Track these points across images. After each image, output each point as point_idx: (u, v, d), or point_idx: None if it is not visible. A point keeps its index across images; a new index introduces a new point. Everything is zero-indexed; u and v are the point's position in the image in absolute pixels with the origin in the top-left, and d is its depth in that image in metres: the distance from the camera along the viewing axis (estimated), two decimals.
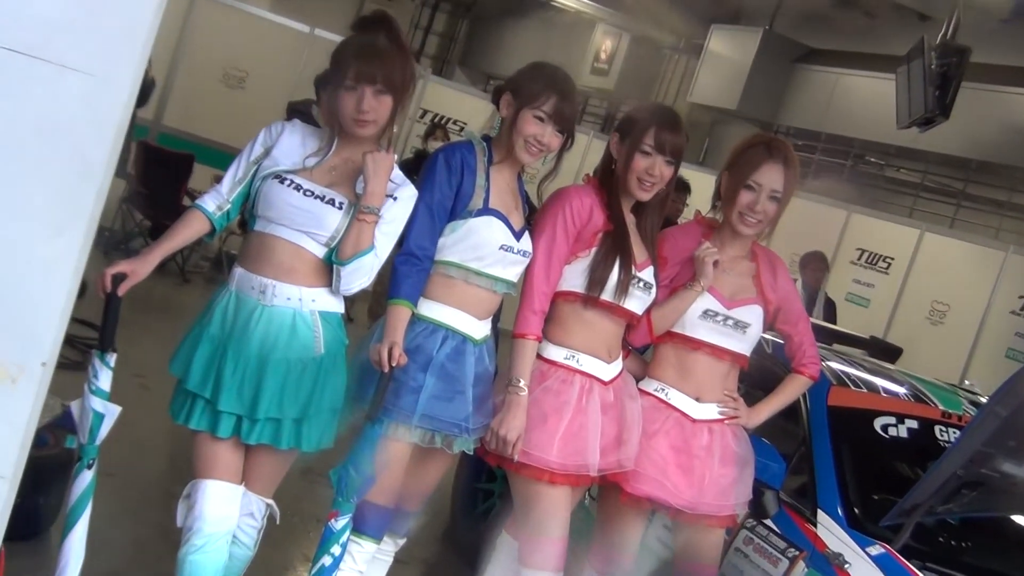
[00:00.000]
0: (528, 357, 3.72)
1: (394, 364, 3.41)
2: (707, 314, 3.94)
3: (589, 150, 11.79)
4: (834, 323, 9.07)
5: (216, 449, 3.43)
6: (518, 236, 3.70)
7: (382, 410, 3.47)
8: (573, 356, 3.79)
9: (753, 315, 4.00)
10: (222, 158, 9.91)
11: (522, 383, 3.68)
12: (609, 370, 3.85)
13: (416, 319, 3.58)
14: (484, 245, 3.62)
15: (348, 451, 3.53)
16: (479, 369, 3.70)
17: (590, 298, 3.76)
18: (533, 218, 3.83)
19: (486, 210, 3.63)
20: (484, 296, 3.69)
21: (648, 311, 3.93)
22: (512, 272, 3.72)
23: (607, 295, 3.76)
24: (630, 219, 3.91)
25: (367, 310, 9.49)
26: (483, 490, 5.49)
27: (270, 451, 3.47)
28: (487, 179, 3.66)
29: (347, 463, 3.47)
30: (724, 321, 3.95)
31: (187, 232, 3.50)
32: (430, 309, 3.63)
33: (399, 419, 3.54)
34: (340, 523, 3.49)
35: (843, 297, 11.36)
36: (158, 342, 4.58)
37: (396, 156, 3.60)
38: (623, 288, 3.76)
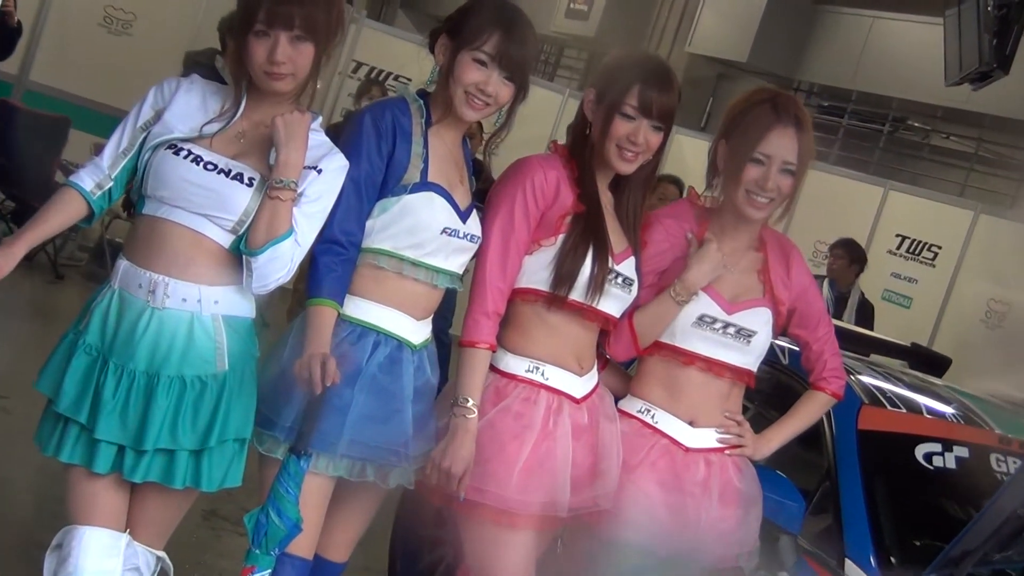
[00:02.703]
0: (479, 370, 3.72)
1: (328, 383, 3.38)
2: (703, 320, 3.95)
3: (564, 112, 11.82)
4: (870, 328, 9.11)
5: (94, 488, 3.42)
6: (464, 217, 3.71)
7: (315, 442, 3.47)
8: (536, 368, 3.80)
9: (760, 320, 4.01)
10: (103, 122, 9.88)
11: (470, 403, 3.67)
12: (581, 385, 3.86)
13: (340, 321, 3.57)
14: (422, 228, 3.63)
15: (261, 490, 3.53)
16: (419, 381, 3.72)
17: (556, 297, 3.77)
18: (485, 192, 3.83)
19: (424, 184, 3.63)
20: (422, 291, 3.70)
21: (631, 315, 3.95)
22: (456, 262, 3.73)
23: (577, 294, 3.77)
24: (607, 198, 3.92)
25: (286, 312, 9.46)
26: (430, 538, 5.47)
27: (161, 491, 3.46)
28: (424, 146, 3.67)
29: (266, 506, 3.46)
30: (723, 329, 3.96)
31: (60, 217, 3.48)
32: (357, 308, 3.62)
33: (319, 447, 3.52)
34: None
35: (879, 295, 11.43)
36: (23, 353, 4.57)
37: (322, 118, 3.60)
38: (597, 285, 3.77)
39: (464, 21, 3.69)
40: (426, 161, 3.65)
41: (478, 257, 3.76)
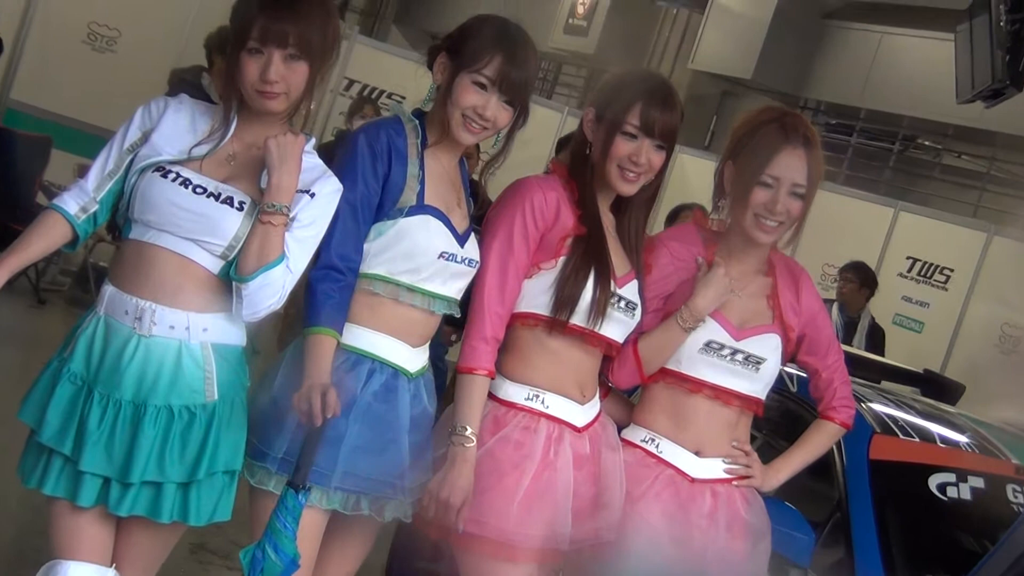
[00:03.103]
0: (478, 398, 3.71)
1: (329, 415, 3.36)
2: (710, 347, 3.95)
3: (562, 131, 11.82)
4: (881, 354, 9.11)
5: (78, 522, 3.41)
6: (462, 240, 3.71)
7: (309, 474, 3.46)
8: (537, 396, 3.80)
9: (769, 347, 4.01)
10: (87, 142, 9.89)
11: (469, 431, 3.67)
12: (583, 413, 3.86)
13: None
14: (419, 253, 3.63)
15: (252, 523, 3.53)
16: (416, 410, 3.71)
17: (557, 322, 3.77)
18: (482, 216, 3.84)
19: (420, 207, 3.63)
20: (418, 318, 3.70)
21: (634, 341, 3.96)
22: (454, 287, 3.73)
23: (579, 318, 3.77)
24: (608, 220, 3.93)
25: (277, 339, 9.45)
26: (427, 572, 5.47)
27: (147, 525, 3.45)
28: (420, 167, 3.67)
29: (263, 541, 3.43)
30: (732, 356, 3.96)
31: (43, 241, 3.48)
32: (351, 335, 3.61)
33: (312, 479, 3.50)
34: None
35: (890, 320, 11.43)
36: (4, 382, 4.56)
37: (314, 139, 3.61)
38: (599, 309, 3.77)
39: (465, 41, 3.69)
40: (422, 183, 3.65)
41: (476, 281, 3.75)
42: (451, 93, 3.66)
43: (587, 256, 3.77)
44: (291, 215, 3.44)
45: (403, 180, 3.62)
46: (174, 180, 3.40)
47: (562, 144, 7.13)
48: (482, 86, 3.65)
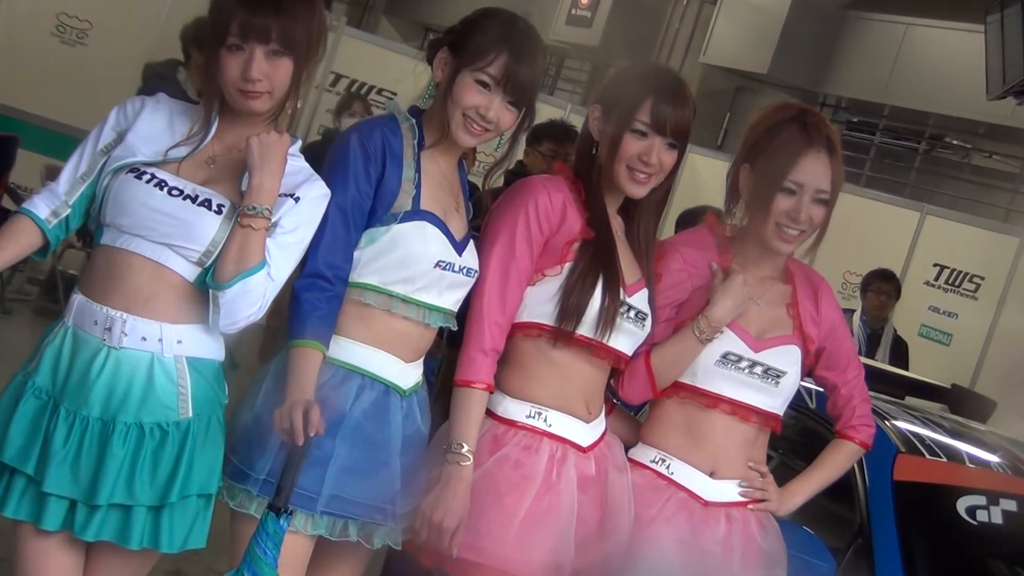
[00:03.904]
0: (475, 413, 3.71)
1: (312, 434, 3.34)
2: (727, 359, 3.95)
3: None
4: (905, 368, 9.11)
5: (44, 547, 3.40)
6: (459, 248, 3.71)
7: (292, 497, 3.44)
8: (539, 413, 3.80)
9: (789, 359, 4.01)
10: (56, 142, 9.90)
11: (465, 449, 3.66)
12: (588, 432, 3.86)
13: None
14: (414, 261, 3.62)
15: (233, 550, 3.52)
16: (408, 430, 3.71)
17: (562, 333, 3.76)
18: (481, 221, 3.83)
19: (416, 213, 3.63)
20: (413, 331, 3.69)
21: (646, 354, 3.95)
22: (451, 298, 3.72)
23: (586, 329, 3.77)
24: (617, 224, 3.93)
25: (258, 352, 9.45)
26: None
27: (116, 552, 3.43)
28: (417, 170, 3.67)
29: (241, 568, 3.41)
30: (750, 368, 3.96)
31: (12, 247, 3.48)
32: (340, 349, 3.61)
33: (297, 502, 3.48)
34: None
35: (915, 332, 11.44)
36: None
37: (300, 140, 3.60)
38: (608, 319, 3.76)
39: (469, 36, 3.69)
40: (418, 187, 3.65)
41: (475, 288, 3.75)
42: (452, 92, 3.65)
43: (595, 262, 3.77)
44: (273, 219, 3.43)
45: (398, 183, 3.62)
46: (148, 181, 3.40)
47: (536, 135, 7.06)
48: (485, 85, 3.64)
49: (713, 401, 3.96)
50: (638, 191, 3.85)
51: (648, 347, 3.95)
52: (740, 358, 3.95)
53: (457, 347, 3.77)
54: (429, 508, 3.63)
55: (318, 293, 3.53)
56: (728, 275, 3.95)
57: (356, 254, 3.61)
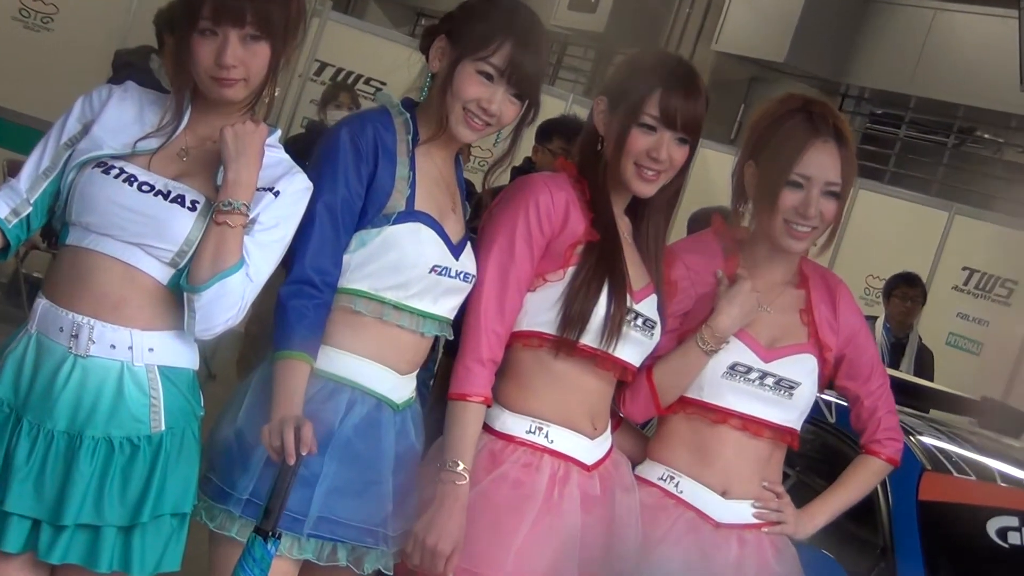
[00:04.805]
0: (472, 428, 3.71)
1: (304, 452, 3.35)
2: (735, 370, 3.95)
3: None
4: (930, 379, 9.12)
5: (6, 570, 3.39)
6: (456, 251, 3.71)
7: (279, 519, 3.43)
8: (540, 429, 3.80)
9: (803, 369, 4.01)
10: (18, 135, 9.91)
11: (461, 467, 3.66)
12: (593, 449, 3.86)
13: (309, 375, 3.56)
14: (408, 266, 3.62)
15: (212, 574, 3.52)
16: (401, 447, 3.71)
17: (565, 342, 3.77)
18: (479, 222, 3.83)
19: (410, 214, 3.63)
20: (406, 341, 3.70)
21: (649, 368, 3.95)
22: (447, 305, 3.72)
23: (590, 338, 3.77)
24: (624, 225, 3.93)
25: (236, 361, 9.44)
26: None
27: (83, 575, 3.43)
28: (411, 167, 3.67)
29: None
30: (760, 380, 3.96)
31: None
32: (328, 360, 3.61)
33: (282, 525, 3.46)
34: None
35: (942, 340, 11.45)
36: None
37: (280, 131, 3.60)
38: (614, 328, 3.76)
39: (469, 23, 3.69)
40: (413, 186, 3.65)
41: (472, 294, 3.75)
42: (451, 83, 3.65)
43: (600, 266, 3.77)
44: (251, 216, 3.43)
45: (391, 182, 3.62)
46: (117, 176, 3.40)
47: (546, 131, 7.09)
48: (488, 76, 3.65)
49: (721, 416, 3.97)
50: (646, 189, 3.85)
51: (652, 361, 3.96)
52: (749, 369, 3.95)
53: (454, 357, 3.77)
54: (422, 531, 3.62)
55: (305, 300, 3.53)
56: (734, 281, 3.95)
57: (346, 258, 3.61)
